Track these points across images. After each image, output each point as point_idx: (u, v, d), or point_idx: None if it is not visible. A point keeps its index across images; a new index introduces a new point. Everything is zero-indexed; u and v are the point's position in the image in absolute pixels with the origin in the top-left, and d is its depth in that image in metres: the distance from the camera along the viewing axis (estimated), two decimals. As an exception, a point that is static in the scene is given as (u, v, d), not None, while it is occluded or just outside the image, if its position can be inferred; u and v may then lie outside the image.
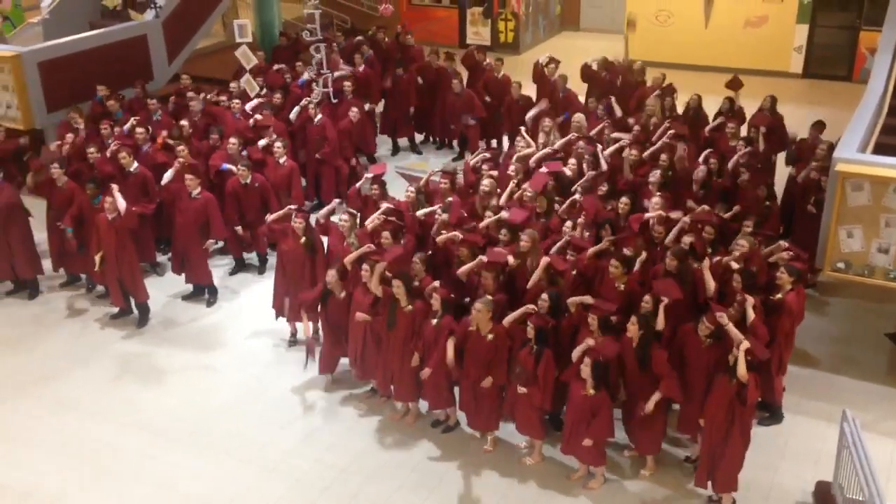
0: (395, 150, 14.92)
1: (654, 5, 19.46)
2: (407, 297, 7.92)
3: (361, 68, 14.45)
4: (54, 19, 15.34)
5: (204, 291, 10.74)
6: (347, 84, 13.36)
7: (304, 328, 8.96)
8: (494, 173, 10.20)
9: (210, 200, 10.35)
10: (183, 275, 10.68)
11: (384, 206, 9.33)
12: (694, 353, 7.41)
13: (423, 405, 8.47)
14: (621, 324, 7.59)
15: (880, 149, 9.66)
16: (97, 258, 9.85)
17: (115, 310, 10.37)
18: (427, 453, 8.14)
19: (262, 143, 11.68)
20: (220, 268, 11.28)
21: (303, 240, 9.24)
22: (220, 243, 11.00)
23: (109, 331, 10.18)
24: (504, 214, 9.06)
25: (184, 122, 11.99)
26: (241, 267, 11.45)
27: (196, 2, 15.77)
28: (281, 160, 11.29)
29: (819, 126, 11.05)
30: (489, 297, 7.77)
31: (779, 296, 7.93)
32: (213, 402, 8.89)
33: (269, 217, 9.76)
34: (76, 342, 9.97)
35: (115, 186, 9.81)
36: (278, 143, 11.34)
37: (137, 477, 7.90)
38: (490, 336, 7.59)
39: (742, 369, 6.73)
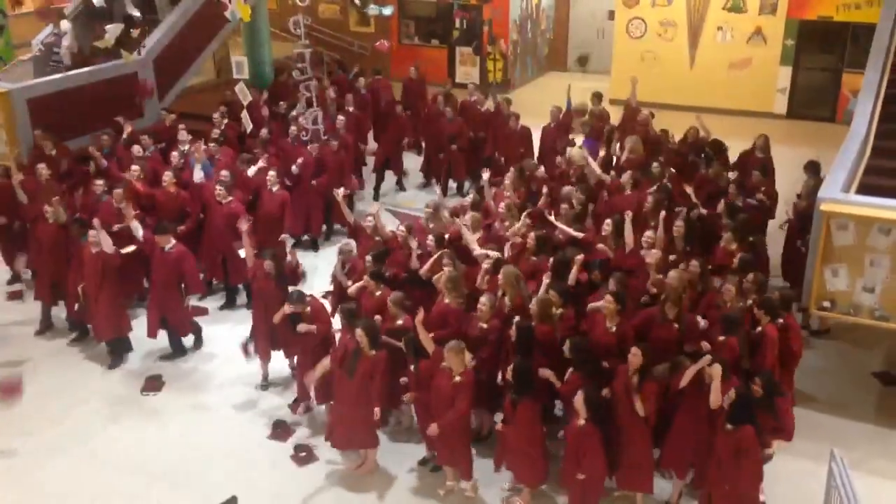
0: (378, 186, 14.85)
1: (640, 46, 19.75)
2: (370, 344, 7.75)
3: (351, 108, 14.62)
4: (44, 56, 15.43)
5: (181, 349, 10.30)
6: (341, 118, 13.53)
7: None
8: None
9: (184, 254, 9.87)
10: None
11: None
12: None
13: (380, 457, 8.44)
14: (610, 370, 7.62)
15: (864, 189, 9.77)
16: (80, 290, 9.78)
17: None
18: (415, 492, 8.08)
19: (252, 170, 11.76)
20: (209, 301, 11.26)
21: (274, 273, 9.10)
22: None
23: (93, 371, 10.08)
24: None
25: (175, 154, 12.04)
26: (231, 303, 11.40)
27: (187, 40, 15.93)
28: (273, 188, 11.36)
29: (813, 167, 11.13)
30: (459, 341, 7.62)
31: (759, 329, 8.01)
32: (201, 443, 8.80)
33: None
34: (61, 383, 9.87)
35: (96, 224, 9.64)
36: (271, 172, 11.45)
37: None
38: (458, 378, 7.46)
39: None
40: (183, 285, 10.00)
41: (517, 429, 7.41)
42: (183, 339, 10.32)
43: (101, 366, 10.11)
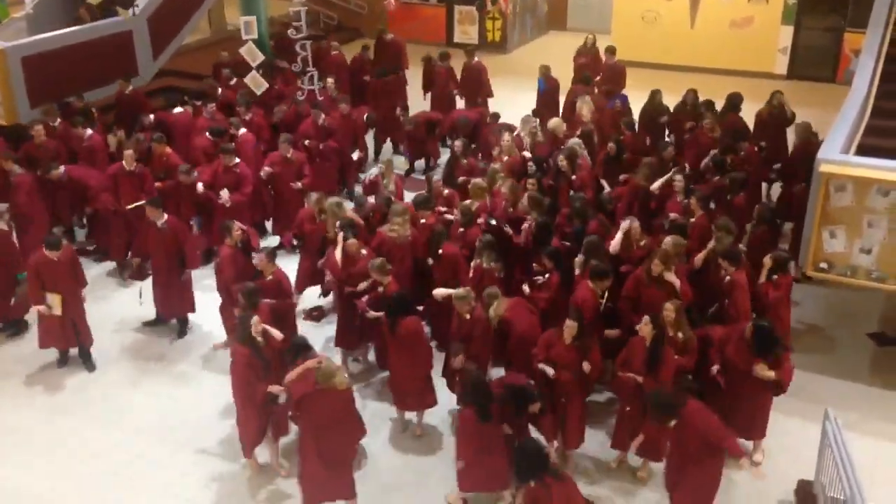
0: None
1: (641, 5, 19.53)
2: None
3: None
4: (38, 14, 15.26)
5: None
6: (330, 81, 13.43)
7: None
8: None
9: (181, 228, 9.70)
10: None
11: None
12: None
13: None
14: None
15: (864, 150, 9.72)
16: (56, 303, 8.90)
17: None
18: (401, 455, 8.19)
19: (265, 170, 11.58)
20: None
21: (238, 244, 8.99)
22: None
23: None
24: None
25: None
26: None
27: (182, -2, 15.75)
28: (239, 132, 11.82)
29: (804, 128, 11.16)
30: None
31: (727, 278, 8.22)
32: (208, 402, 8.86)
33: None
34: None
35: None
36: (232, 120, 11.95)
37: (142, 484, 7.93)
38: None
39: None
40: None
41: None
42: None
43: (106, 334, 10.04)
